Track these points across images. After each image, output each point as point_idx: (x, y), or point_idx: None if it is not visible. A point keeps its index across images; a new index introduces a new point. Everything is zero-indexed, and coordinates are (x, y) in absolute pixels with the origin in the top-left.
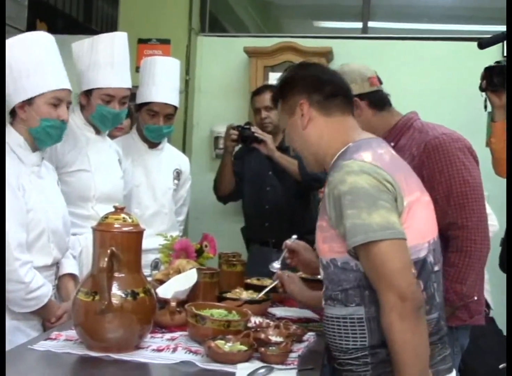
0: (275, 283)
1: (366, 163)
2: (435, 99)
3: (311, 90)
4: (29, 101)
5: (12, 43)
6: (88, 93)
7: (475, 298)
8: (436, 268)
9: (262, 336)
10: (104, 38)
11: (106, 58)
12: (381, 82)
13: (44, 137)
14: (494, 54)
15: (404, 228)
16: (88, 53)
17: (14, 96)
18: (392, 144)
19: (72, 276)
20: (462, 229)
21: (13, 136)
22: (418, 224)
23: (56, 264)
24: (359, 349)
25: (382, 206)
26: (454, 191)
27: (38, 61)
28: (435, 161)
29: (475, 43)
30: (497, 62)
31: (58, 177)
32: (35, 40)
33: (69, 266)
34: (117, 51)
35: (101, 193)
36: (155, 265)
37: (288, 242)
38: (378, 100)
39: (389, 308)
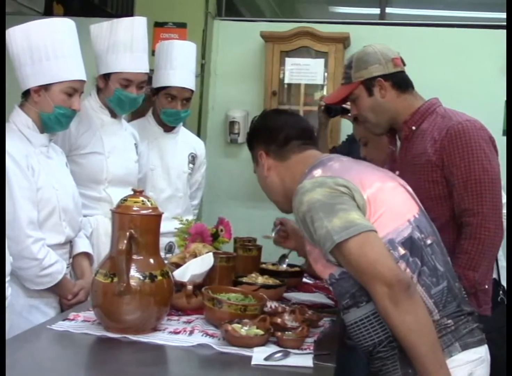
0: (278, 228)
1: (317, 178)
2: (452, 86)
3: (266, 141)
4: (46, 87)
5: (34, 26)
6: (106, 76)
7: (486, 286)
8: (428, 241)
9: (279, 320)
10: (124, 22)
11: (126, 42)
12: (404, 64)
13: (54, 124)
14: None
15: (378, 216)
16: (107, 36)
17: (32, 78)
18: (414, 128)
19: (86, 255)
20: (476, 216)
21: (21, 118)
22: (391, 207)
23: (70, 243)
24: (384, 340)
25: (339, 209)
26: (472, 177)
27: (59, 47)
28: (456, 147)
29: (494, 31)
30: None
31: (70, 158)
32: (58, 26)
33: (82, 245)
34: (136, 36)
35: (113, 175)
36: (169, 248)
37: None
38: (402, 82)
39: (380, 297)
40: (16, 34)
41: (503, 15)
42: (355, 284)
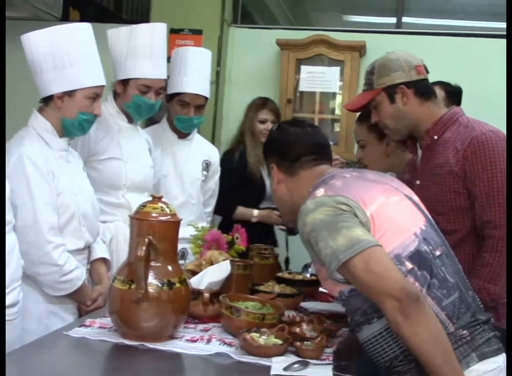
0: None
1: (319, 197)
2: (469, 97)
3: (278, 154)
4: (70, 93)
5: (56, 32)
6: (124, 82)
7: (505, 300)
8: (437, 253)
9: (297, 330)
10: (144, 28)
11: (146, 48)
12: (427, 72)
13: (76, 129)
14: None
15: (382, 233)
16: (126, 41)
17: (55, 84)
18: (436, 137)
19: (104, 260)
20: (498, 228)
21: (40, 122)
22: (395, 222)
23: (88, 248)
24: (399, 355)
25: (342, 227)
26: (496, 189)
27: (82, 52)
28: (479, 158)
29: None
30: None
31: (88, 164)
32: (80, 31)
33: (100, 250)
34: (156, 42)
35: (132, 181)
36: (182, 255)
37: None
38: (424, 90)
39: (390, 312)
40: (36, 40)
41: None
42: (366, 301)
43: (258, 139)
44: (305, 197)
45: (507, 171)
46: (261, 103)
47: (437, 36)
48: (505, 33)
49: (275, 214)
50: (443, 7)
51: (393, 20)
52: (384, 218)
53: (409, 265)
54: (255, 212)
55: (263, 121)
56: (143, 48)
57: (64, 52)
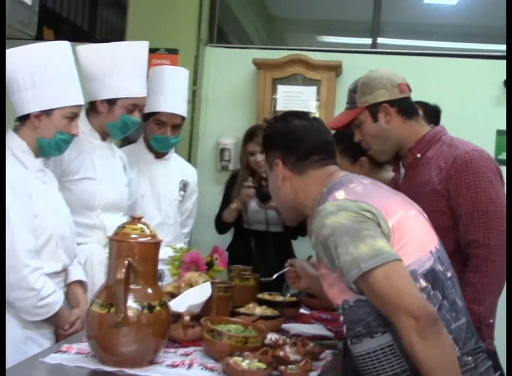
0: (287, 269)
1: (340, 200)
2: (444, 115)
3: (285, 150)
4: (48, 112)
5: (34, 49)
6: (111, 101)
7: (491, 321)
8: (448, 274)
9: (281, 353)
10: (128, 46)
11: (133, 67)
12: (410, 90)
13: (53, 150)
14: (502, 72)
15: (401, 246)
16: (107, 59)
17: (33, 103)
18: (419, 155)
19: (81, 283)
20: (483, 248)
21: (15, 142)
22: (414, 237)
23: (65, 271)
24: (399, 374)
25: (366, 235)
26: (479, 208)
27: (61, 71)
28: (463, 177)
29: (484, 61)
30: None
31: (61, 184)
32: (59, 50)
33: (77, 273)
34: (142, 60)
35: (106, 201)
36: (159, 276)
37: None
38: (408, 108)
39: (406, 330)
40: (14, 57)
41: (495, 46)
42: (371, 313)
43: (253, 171)
44: (312, 197)
45: (507, 172)
46: (249, 134)
47: (413, 56)
48: (479, 53)
49: (246, 190)
50: (417, 29)
51: (368, 41)
52: (404, 231)
53: (423, 283)
54: (233, 204)
55: (252, 153)
56: (129, 66)
57: (43, 71)
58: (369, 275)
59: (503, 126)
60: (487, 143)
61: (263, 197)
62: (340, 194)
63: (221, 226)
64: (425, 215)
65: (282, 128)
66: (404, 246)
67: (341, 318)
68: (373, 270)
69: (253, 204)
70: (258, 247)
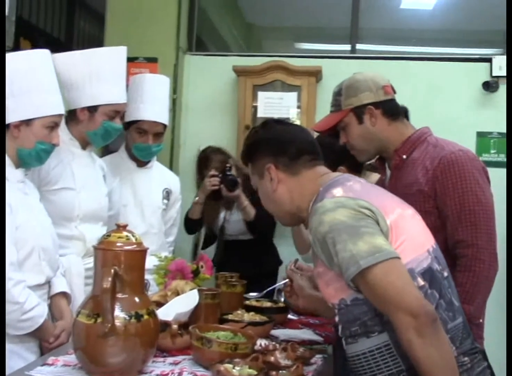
0: (285, 281)
1: (339, 197)
2: (421, 118)
3: (276, 153)
4: (28, 121)
5: (13, 58)
6: (91, 108)
7: (480, 320)
8: (445, 274)
9: (272, 359)
10: (107, 52)
11: (112, 73)
12: (395, 92)
13: (33, 160)
14: (481, 74)
15: (399, 244)
16: (85, 66)
17: (12, 112)
18: (404, 156)
19: (64, 294)
20: (471, 248)
21: None
22: (411, 236)
23: (48, 283)
24: (395, 374)
25: (364, 232)
26: (466, 208)
27: (41, 80)
28: (449, 177)
29: (459, 64)
30: None
31: (40, 195)
32: (39, 58)
33: (60, 285)
34: (121, 66)
35: (85, 212)
36: (144, 286)
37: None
38: (393, 110)
39: (404, 328)
40: None
41: (472, 50)
42: (368, 312)
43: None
44: (307, 197)
45: (507, 174)
46: (203, 160)
47: (392, 60)
48: (458, 56)
49: (209, 180)
50: (395, 34)
51: (347, 47)
52: (402, 229)
53: (420, 282)
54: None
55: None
56: (109, 73)
57: (22, 79)
58: (368, 272)
59: (483, 128)
60: (467, 145)
61: (230, 184)
62: (338, 191)
63: (187, 223)
64: (419, 215)
65: (267, 134)
66: (402, 245)
67: (336, 318)
68: (372, 267)
69: (235, 215)
70: (241, 256)
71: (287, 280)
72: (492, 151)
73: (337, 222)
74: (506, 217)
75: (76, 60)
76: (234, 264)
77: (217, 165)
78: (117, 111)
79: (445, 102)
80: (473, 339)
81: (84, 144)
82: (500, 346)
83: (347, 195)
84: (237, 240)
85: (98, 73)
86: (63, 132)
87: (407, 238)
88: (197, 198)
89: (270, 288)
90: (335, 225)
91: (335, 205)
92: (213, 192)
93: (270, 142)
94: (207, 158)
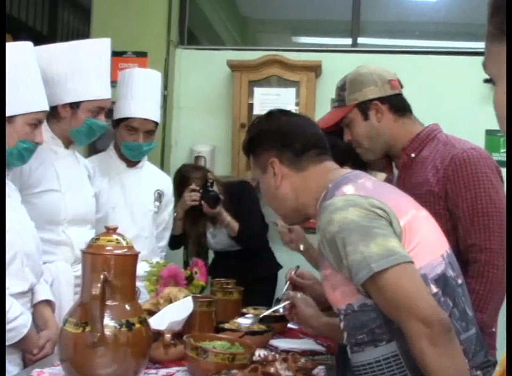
0: (286, 303)
1: (350, 196)
2: (423, 113)
3: (280, 147)
4: (9, 119)
5: None
6: (74, 105)
7: (493, 329)
8: (459, 281)
9: (272, 370)
10: (88, 45)
11: (94, 67)
12: (402, 86)
13: (15, 159)
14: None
15: (412, 248)
16: (66, 60)
17: None
18: (413, 155)
19: (48, 303)
20: (484, 252)
21: None
22: (426, 239)
23: (31, 290)
24: None
25: (377, 233)
26: (480, 210)
27: (23, 74)
28: (461, 177)
29: (465, 58)
30: None
31: (22, 198)
32: (21, 51)
33: (43, 292)
34: (104, 60)
35: (72, 215)
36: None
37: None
38: (399, 105)
39: (416, 336)
40: None
41: (476, 44)
42: (376, 319)
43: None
44: (314, 194)
45: (506, 171)
46: (182, 180)
47: (394, 54)
48: (461, 50)
49: (189, 195)
50: (398, 27)
51: (348, 41)
52: (415, 232)
53: (434, 288)
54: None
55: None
56: (92, 66)
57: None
58: (379, 277)
59: (492, 126)
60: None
61: (212, 200)
62: (349, 189)
63: (170, 240)
64: (432, 218)
65: (270, 126)
66: (415, 248)
67: (342, 324)
68: (384, 271)
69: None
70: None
71: (286, 302)
72: (502, 150)
73: (348, 221)
74: (506, 216)
75: (56, 54)
76: (228, 271)
77: (198, 183)
78: (101, 108)
79: (451, 98)
80: (487, 352)
81: (67, 143)
82: None
83: (358, 192)
84: (228, 251)
85: (80, 67)
86: (44, 130)
87: (421, 241)
88: (174, 214)
89: (266, 312)
90: (346, 224)
91: (346, 203)
92: (193, 207)
93: (274, 135)
94: (185, 178)
